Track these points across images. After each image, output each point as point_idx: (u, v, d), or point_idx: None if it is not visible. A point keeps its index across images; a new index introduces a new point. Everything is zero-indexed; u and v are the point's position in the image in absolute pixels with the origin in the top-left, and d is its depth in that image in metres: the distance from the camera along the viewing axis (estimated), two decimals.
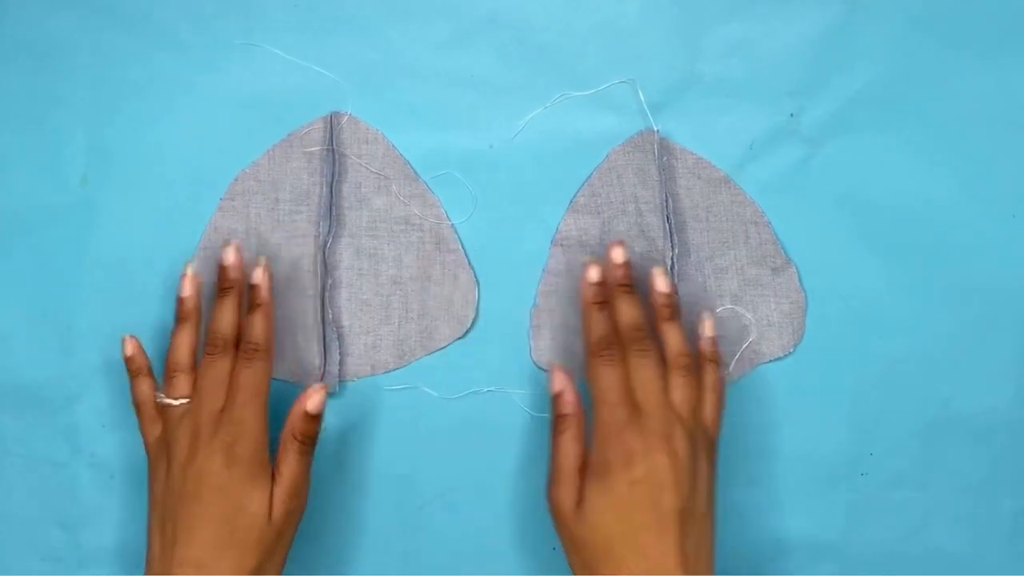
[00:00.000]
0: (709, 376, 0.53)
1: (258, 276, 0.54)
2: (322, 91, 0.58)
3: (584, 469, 0.51)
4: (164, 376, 0.54)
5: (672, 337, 0.53)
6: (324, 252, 0.58)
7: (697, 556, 0.49)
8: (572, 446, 0.51)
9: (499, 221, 0.59)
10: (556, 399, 0.53)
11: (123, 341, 0.55)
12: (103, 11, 0.58)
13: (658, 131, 0.59)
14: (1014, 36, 0.59)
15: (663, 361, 0.52)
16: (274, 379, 0.57)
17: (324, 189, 0.58)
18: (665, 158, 0.59)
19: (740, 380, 0.58)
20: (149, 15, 0.58)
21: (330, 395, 0.57)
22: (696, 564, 0.49)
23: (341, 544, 0.58)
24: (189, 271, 0.55)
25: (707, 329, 0.54)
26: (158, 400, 0.53)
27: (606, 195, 0.59)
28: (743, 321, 0.58)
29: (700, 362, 0.54)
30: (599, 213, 0.59)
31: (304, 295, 0.58)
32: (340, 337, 0.58)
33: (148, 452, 0.53)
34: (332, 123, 0.58)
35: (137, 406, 0.54)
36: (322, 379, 0.57)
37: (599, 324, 0.53)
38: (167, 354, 0.54)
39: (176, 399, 0.52)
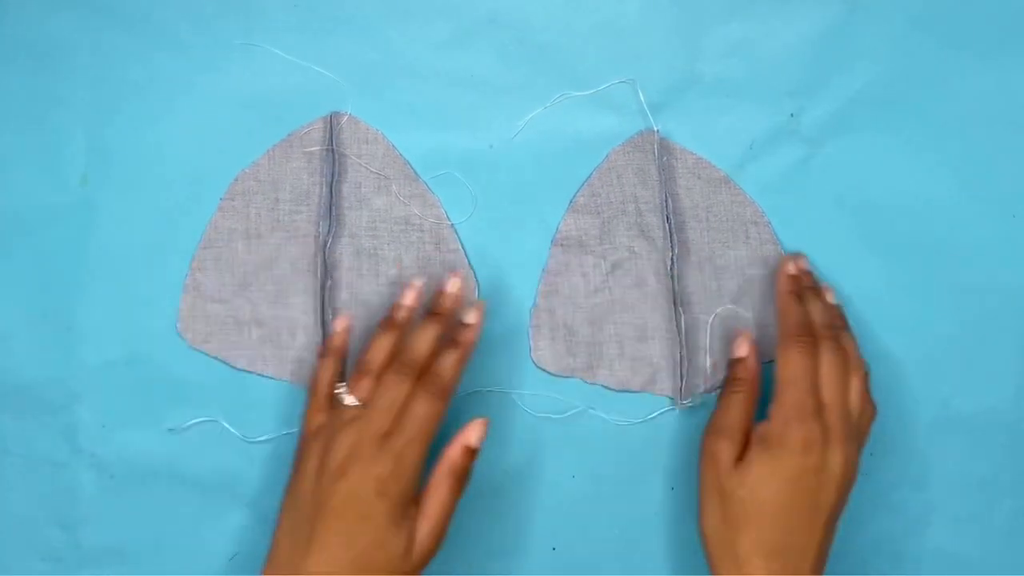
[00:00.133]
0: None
1: (472, 316, 0.53)
2: (322, 91, 0.58)
3: (747, 432, 0.52)
4: (353, 370, 0.53)
5: (850, 345, 0.54)
6: (324, 252, 0.58)
7: (824, 560, 0.51)
8: (743, 407, 0.53)
9: (499, 221, 0.59)
10: (737, 363, 0.55)
11: (337, 316, 0.55)
12: (103, 11, 0.58)
13: (658, 131, 0.59)
14: (1014, 36, 0.59)
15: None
16: (274, 379, 0.57)
17: (324, 189, 0.58)
18: (665, 158, 0.59)
19: None
20: (149, 15, 0.58)
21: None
22: (822, 567, 0.51)
23: None
24: (419, 283, 0.55)
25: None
26: (336, 390, 0.52)
27: (606, 195, 0.59)
28: (743, 321, 0.58)
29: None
30: (599, 213, 0.59)
31: (304, 295, 0.58)
32: None
33: (302, 438, 0.52)
34: (332, 123, 0.58)
35: (313, 387, 0.53)
36: None
37: (797, 311, 0.54)
38: (362, 351, 0.53)
39: (352, 400, 0.51)
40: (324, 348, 0.55)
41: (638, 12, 0.59)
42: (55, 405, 0.58)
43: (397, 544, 0.48)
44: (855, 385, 0.52)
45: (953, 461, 0.58)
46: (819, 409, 0.51)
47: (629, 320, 0.58)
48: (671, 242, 0.58)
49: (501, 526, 0.58)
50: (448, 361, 0.52)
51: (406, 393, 0.50)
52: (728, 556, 0.51)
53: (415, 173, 0.59)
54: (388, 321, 0.54)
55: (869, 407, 0.53)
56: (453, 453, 0.51)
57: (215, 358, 0.57)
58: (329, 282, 0.58)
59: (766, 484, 0.50)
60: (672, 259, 0.58)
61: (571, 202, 0.59)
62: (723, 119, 0.59)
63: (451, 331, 0.53)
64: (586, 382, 0.58)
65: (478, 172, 0.59)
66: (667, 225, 0.58)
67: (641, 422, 0.58)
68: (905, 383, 0.58)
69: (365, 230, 0.58)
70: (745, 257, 0.59)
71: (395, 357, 0.52)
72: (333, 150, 0.58)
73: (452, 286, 0.55)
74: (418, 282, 0.55)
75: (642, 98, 0.59)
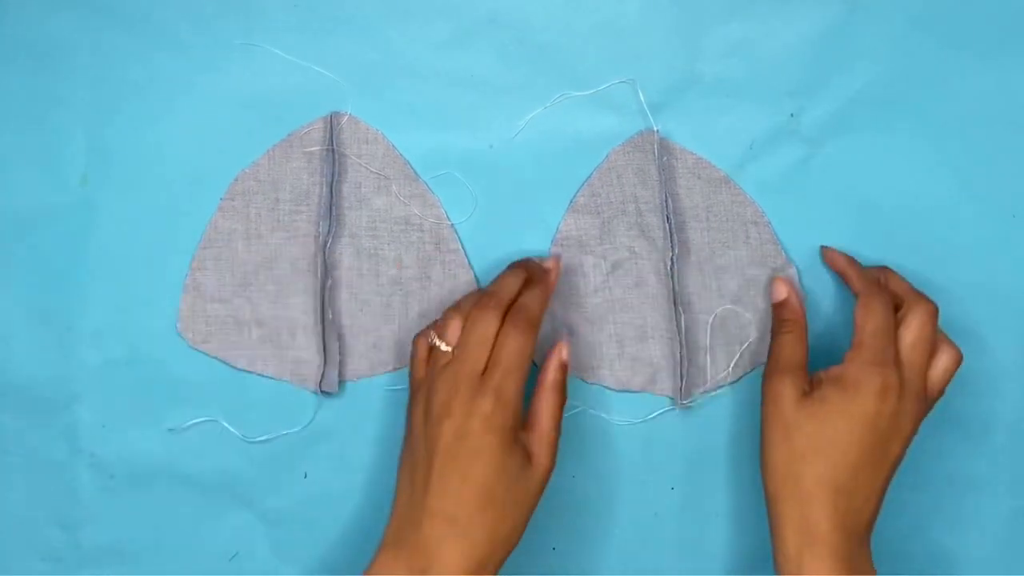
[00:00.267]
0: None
1: (551, 263, 0.56)
2: (322, 91, 0.58)
3: (806, 368, 0.53)
4: (440, 319, 0.53)
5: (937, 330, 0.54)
6: (324, 252, 0.58)
7: (876, 517, 0.51)
8: (797, 345, 0.54)
9: (499, 221, 0.59)
10: (780, 306, 0.56)
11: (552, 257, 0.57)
12: (103, 11, 0.58)
13: (658, 131, 0.59)
14: (1014, 36, 0.59)
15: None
16: (274, 379, 0.57)
17: (324, 189, 0.58)
18: (665, 158, 0.59)
19: (740, 380, 0.58)
20: (149, 15, 0.58)
21: (329, 395, 0.57)
22: (873, 524, 0.51)
23: (340, 544, 0.58)
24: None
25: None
26: (429, 338, 0.52)
27: (606, 195, 0.59)
28: (743, 321, 0.58)
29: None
30: (599, 213, 0.59)
31: (304, 295, 0.58)
32: (340, 337, 0.58)
33: (411, 387, 0.53)
34: (332, 123, 0.58)
35: (415, 340, 0.54)
36: (322, 380, 0.57)
37: (875, 272, 0.56)
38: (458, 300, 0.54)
39: (443, 345, 0.51)
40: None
41: (638, 12, 0.59)
42: (55, 405, 0.58)
43: (514, 469, 0.50)
44: (943, 362, 0.53)
45: (953, 461, 0.59)
46: (898, 360, 0.52)
47: (629, 320, 0.58)
48: (671, 242, 0.58)
49: None
50: (534, 296, 0.53)
51: (495, 329, 0.51)
52: (792, 493, 0.50)
53: (415, 173, 0.59)
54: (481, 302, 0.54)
55: (941, 388, 0.53)
56: (551, 369, 0.52)
57: (215, 358, 0.57)
58: (329, 282, 0.58)
59: (839, 420, 0.50)
60: (672, 259, 0.58)
61: (571, 202, 0.59)
62: (723, 119, 0.59)
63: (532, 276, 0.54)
64: (586, 382, 0.58)
65: (478, 172, 0.59)
66: (667, 225, 0.58)
67: (641, 422, 0.58)
68: None
69: (365, 230, 0.58)
70: (745, 257, 0.59)
71: (480, 299, 0.53)
72: (333, 150, 0.58)
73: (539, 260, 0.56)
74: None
75: (642, 98, 0.59)
